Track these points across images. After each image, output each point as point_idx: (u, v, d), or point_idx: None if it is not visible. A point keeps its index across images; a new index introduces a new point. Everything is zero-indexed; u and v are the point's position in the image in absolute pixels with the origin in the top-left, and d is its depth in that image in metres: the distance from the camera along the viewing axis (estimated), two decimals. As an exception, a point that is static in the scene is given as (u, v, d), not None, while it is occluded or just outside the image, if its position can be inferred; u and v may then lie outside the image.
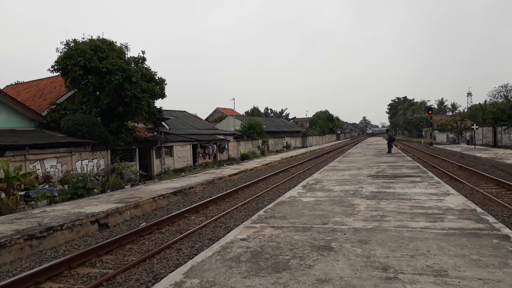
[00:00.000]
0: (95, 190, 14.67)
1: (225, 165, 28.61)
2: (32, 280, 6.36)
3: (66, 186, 14.63)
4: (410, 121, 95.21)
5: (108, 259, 7.60)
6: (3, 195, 12.21)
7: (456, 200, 8.48)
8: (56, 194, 13.53)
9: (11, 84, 27.74)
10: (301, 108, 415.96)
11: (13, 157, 13.86)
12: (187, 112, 43.46)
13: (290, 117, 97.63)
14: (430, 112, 50.44)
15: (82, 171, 16.66)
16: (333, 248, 5.28)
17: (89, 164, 17.52)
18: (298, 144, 60.71)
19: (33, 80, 25.25)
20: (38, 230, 8.57)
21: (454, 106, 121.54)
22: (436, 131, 67.44)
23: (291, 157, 35.60)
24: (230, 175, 20.32)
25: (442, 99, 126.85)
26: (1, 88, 21.21)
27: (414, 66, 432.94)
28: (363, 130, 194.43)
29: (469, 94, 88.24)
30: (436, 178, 12.61)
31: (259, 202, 12.91)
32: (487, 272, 4.20)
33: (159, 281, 4.88)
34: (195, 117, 44.88)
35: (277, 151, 47.22)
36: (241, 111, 77.27)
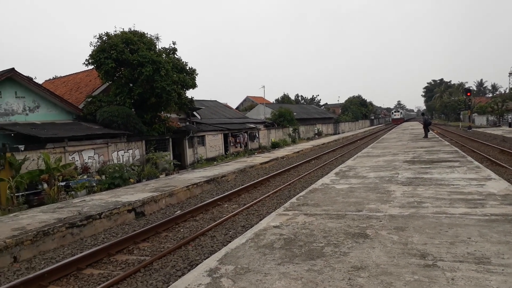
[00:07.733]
0: (131, 180, 15.09)
1: (256, 153, 28.66)
2: (74, 266, 6.64)
3: (103, 176, 15.10)
4: (447, 104, 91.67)
5: (145, 247, 7.82)
6: (45, 185, 12.79)
7: (498, 185, 8.11)
8: (94, 184, 14.02)
9: (50, 79, 28.83)
10: (332, 94, 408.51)
11: (53, 149, 14.41)
12: (218, 102, 43.72)
13: (321, 103, 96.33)
14: (468, 94, 48.09)
15: (118, 162, 17.14)
16: (369, 235, 5.17)
17: (124, 154, 17.99)
18: (330, 131, 59.90)
19: (70, 74, 26.12)
20: (78, 219, 8.92)
21: (494, 87, 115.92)
22: (475, 114, 64.64)
23: (323, 144, 35.21)
24: (261, 163, 20.35)
25: (481, 80, 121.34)
26: (40, 83, 22.11)
27: (450, 45, 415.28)
28: None
29: (511, 73, 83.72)
30: (476, 163, 12.11)
31: (291, 190, 12.86)
32: (534, 260, 3.99)
33: (194, 268, 4.96)
34: (225, 106, 45.06)
35: (308, 139, 46.80)
36: (271, 99, 77.09)
